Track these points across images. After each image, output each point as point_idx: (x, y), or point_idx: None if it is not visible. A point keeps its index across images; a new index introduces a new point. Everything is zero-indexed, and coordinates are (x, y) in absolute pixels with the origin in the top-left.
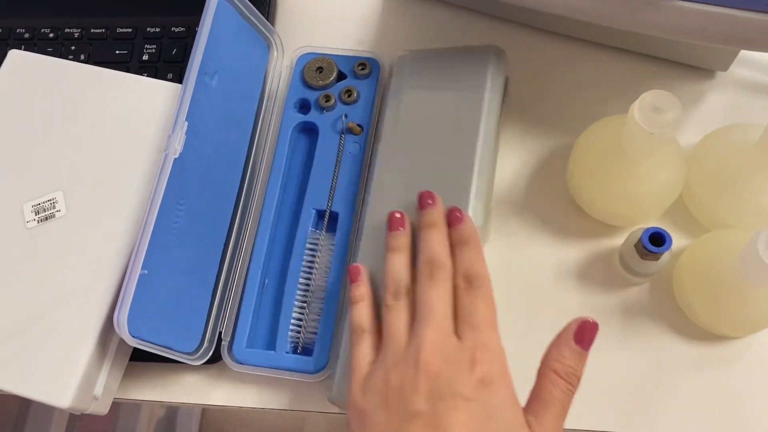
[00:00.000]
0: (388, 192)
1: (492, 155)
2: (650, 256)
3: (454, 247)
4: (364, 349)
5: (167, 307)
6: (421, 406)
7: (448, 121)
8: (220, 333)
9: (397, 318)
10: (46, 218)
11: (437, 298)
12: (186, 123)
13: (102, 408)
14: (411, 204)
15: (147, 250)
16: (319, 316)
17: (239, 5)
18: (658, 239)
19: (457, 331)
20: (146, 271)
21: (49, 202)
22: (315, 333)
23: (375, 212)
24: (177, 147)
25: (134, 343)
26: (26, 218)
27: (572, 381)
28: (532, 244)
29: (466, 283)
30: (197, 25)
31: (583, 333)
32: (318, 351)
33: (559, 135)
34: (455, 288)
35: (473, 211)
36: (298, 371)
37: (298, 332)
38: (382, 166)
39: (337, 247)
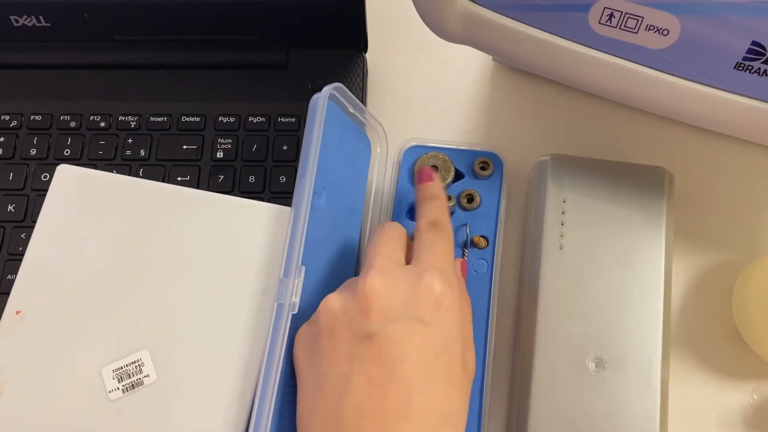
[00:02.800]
0: (557, 344)
1: (669, 297)
2: None
3: (421, 200)
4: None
5: None
6: (375, 328)
7: (623, 256)
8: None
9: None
10: (133, 386)
11: (383, 238)
12: (303, 267)
13: None
14: (584, 353)
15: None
16: None
17: (343, 100)
18: None
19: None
20: None
21: (133, 365)
22: None
23: (544, 360)
24: (294, 299)
25: None
26: (107, 387)
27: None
28: (694, 385)
29: (430, 226)
30: (278, 115)
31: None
32: None
33: (714, 249)
34: (418, 231)
35: (657, 371)
36: None
37: None
38: (545, 311)
39: (471, 393)
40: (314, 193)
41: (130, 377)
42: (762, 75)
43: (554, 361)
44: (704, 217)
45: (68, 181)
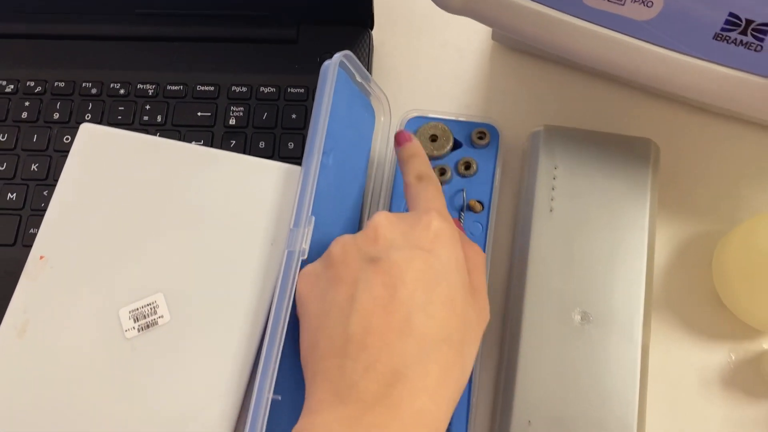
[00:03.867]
0: (544, 298)
1: (653, 261)
2: None
3: (404, 160)
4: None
5: None
6: (379, 254)
7: (610, 220)
8: None
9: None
10: (147, 326)
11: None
12: (313, 217)
13: None
14: (569, 307)
15: (278, 370)
16: (448, 427)
17: (351, 68)
18: None
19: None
20: (279, 397)
21: (148, 307)
22: None
23: (533, 312)
24: (304, 246)
25: None
26: (124, 326)
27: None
28: (674, 344)
29: (417, 179)
30: (288, 86)
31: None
32: None
33: (698, 219)
34: (407, 186)
35: (639, 327)
36: None
37: None
38: (535, 267)
39: None
40: (323, 152)
41: (145, 318)
42: (738, 45)
43: (542, 312)
44: (688, 188)
45: (90, 139)
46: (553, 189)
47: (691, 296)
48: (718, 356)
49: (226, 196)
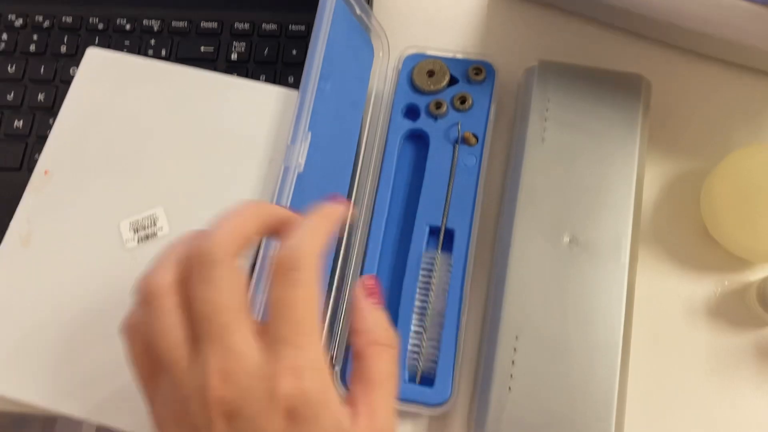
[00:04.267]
0: (534, 220)
1: (641, 192)
2: None
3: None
4: None
5: None
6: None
7: (599, 154)
8: (332, 358)
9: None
10: (147, 237)
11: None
12: (309, 133)
13: None
14: (559, 231)
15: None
16: (438, 342)
17: (351, 1)
18: None
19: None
20: None
21: (149, 219)
22: (434, 362)
23: (523, 232)
24: (300, 160)
25: None
26: (124, 237)
27: (395, 344)
28: (661, 275)
29: (278, 270)
30: (290, 23)
31: (371, 290)
32: (441, 381)
33: (686, 159)
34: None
35: (626, 252)
36: (419, 402)
37: (417, 358)
38: (526, 191)
39: (455, 269)
40: (321, 77)
41: (145, 229)
42: None
43: (532, 234)
44: (678, 128)
45: (96, 62)
46: (545, 120)
47: (680, 231)
48: (704, 287)
49: (226, 118)
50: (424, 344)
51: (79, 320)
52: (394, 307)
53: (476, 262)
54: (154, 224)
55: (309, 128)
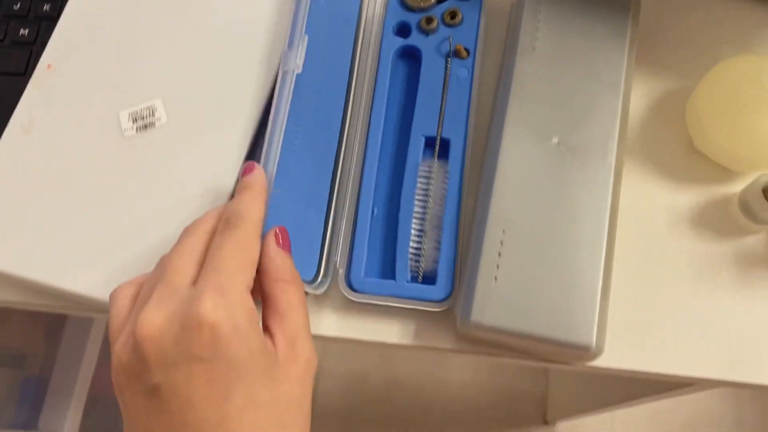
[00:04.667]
0: (524, 122)
1: (628, 100)
2: None
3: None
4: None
5: (294, 233)
6: (157, 379)
7: (589, 64)
8: (335, 263)
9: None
10: (145, 126)
11: (177, 251)
12: (306, 36)
13: None
14: (548, 134)
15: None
16: (438, 244)
17: None
18: None
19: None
20: (279, 190)
21: (147, 109)
22: (436, 261)
23: (511, 141)
24: (298, 62)
25: None
26: (123, 126)
27: (300, 283)
28: (647, 186)
29: (224, 224)
30: None
31: (282, 238)
32: (442, 278)
33: (673, 77)
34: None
35: (612, 154)
36: (422, 299)
37: (418, 261)
38: (517, 95)
39: (452, 176)
40: None
41: (143, 119)
42: None
43: (521, 135)
44: (666, 49)
45: None
46: (537, 30)
47: (666, 145)
48: (688, 198)
49: (226, 16)
50: (425, 246)
51: (77, 202)
52: (394, 215)
53: (471, 169)
54: (153, 114)
55: (306, 32)
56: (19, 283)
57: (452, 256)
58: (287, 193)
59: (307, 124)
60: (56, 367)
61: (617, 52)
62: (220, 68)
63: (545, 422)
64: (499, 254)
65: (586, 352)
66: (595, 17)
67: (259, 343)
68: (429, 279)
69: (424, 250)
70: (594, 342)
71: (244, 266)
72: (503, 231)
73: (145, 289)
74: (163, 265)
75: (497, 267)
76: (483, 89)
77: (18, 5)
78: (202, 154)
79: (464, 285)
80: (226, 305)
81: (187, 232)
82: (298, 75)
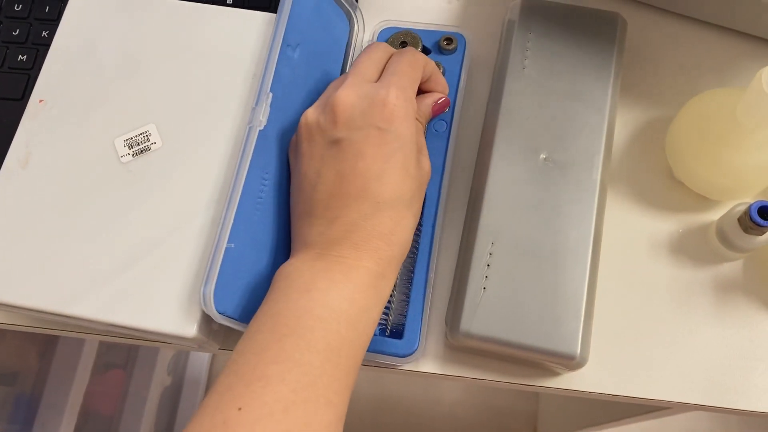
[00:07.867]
0: (513, 139)
1: (614, 120)
2: (755, 230)
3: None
4: None
5: (252, 284)
6: (341, 134)
7: (576, 84)
8: None
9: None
10: (141, 151)
11: (367, 58)
12: (270, 94)
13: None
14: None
15: (233, 222)
16: (407, 297)
17: None
18: (766, 213)
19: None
20: (233, 245)
21: (142, 135)
22: (403, 315)
23: (501, 156)
24: (262, 119)
25: (220, 319)
26: (119, 153)
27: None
28: (627, 213)
29: (399, 52)
30: None
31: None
32: (409, 333)
33: (656, 106)
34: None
35: (598, 170)
36: (388, 354)
37: (387, 314)
38: (506, 113)
39: (424, 230)
40: (287, 45)
41: (139, 144)
42: None
43: (510, 151)
44: (649, 79)
45: None
46: (527, 50)
47: (647, 173)
48: (668, 225)
49: (213, 43)
50: (394, 299)
51: (78, 229)
52: None
53: (445, 224)
54: (148, 139)
55: (270, 89)
56: (23, 313)
57: (419, 310)
58: (251, 245)
59: (277, 175)
60: (48, 384)
61: (603, 74)
62: (210, 93)
63: None
64: (488, 265)
65: (570, 361)
66: (584, 36)
67: (417, 132)
68: (396, 333)
69: (392, 303)
70: (578, 351)
71: (414, 80)
72: (492, 243)
73: (337, 80)
74: (355, 67)
75: (486, 278)
76: (462, 144)
77: (17, 31)
78: (199, 174)
79: (454, 294)
80: (405, 98)
81: (371, 49)
82: (270, 129)
